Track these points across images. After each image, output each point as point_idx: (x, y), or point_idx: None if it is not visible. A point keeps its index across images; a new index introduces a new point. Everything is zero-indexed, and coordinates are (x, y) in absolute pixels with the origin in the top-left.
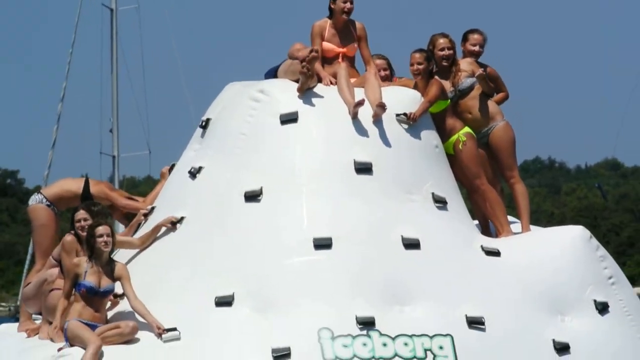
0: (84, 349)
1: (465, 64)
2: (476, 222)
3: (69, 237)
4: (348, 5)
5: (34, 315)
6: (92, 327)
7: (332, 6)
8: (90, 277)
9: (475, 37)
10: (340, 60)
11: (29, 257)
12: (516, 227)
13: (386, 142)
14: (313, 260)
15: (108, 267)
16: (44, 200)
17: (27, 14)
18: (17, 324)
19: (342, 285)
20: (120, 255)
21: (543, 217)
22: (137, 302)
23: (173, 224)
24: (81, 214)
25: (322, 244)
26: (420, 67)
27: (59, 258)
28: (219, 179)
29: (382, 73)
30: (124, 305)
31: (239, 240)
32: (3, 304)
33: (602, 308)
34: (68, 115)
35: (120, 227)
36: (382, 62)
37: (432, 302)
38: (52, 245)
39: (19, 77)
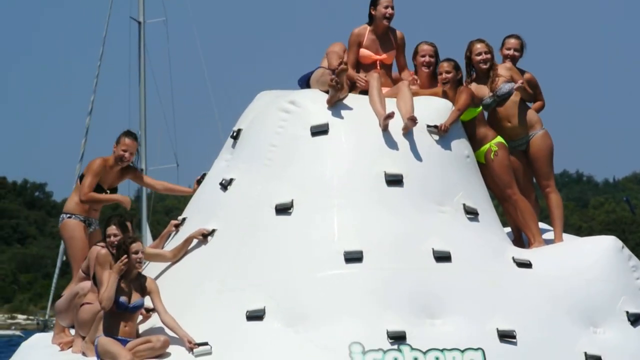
0: None
1: (503, 69)
2: (508, 229)
3: (103, 251)
4: (389, 10)
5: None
6: (123, 342)
7: (373, 12)
8: (120, 293)
9: (511, 41)
10: (377, 67)
11: (57, 270)
12: (548, 235)
13: (416, 154)
14: (344, 274)
15: (137, 282)
16: (65, 215)
17: (56, 28)
18: (50, 334)
19: (373, 299)
20: (151, 268)
21: (571, 230)
22: (168, 317)
23: (204, 236)
24: (112, 229)
25: (353, 257)
26: (449, 75)
27: (87, 270)
28: (250, 191)
29: (427, 58)
30: (155, 320)
31: (270, 253)
32: (31, 317)
33: (635, 319)
34: (96, 129)
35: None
36: (429, 47)
37: (463, 315)
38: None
39: (48, 90)
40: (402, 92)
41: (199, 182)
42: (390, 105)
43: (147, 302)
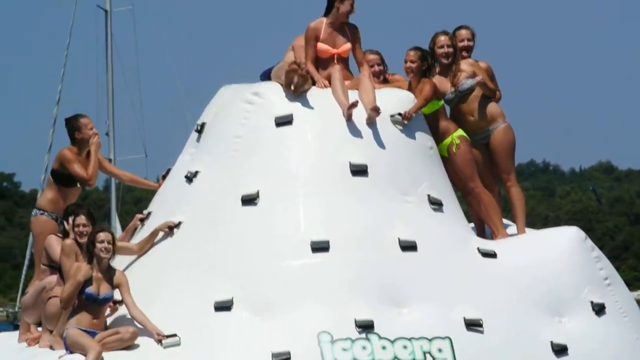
0: (84, 355)
1: (466, 64)
2: (472, 224)
3: (68, 241)
4: (354, 9)
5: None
6: (91, 334)
7: (338, 5)
8: (90, 284)
9: (462, 32)
10: (335, 62)
11: (26, 261)
12: (511, 229)
13: (381, 144)
14: (311, 264)
15: (107, 274)
16: (38, 211)
17: (22, 16)
18: (17, 333)
19: (341, 288)
20: (119, 261)
21: (537, 220)
22: (136, 311)
23: (170, 229)
24: (81, 219)
25: (320, 247)
26: (413, 65)
27: (49, 262)
28: (216, 183)
29: (376, 68)
30: (123, 311)
31: (236, 244)
32: (0, 308)
33: (599, 309)
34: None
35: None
36: (375, 57)
37: (430, 304)
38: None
39: (14, 80)
40: (363, 83)
41: (164, 177)
42: (353, 96)
43: (116, 295)
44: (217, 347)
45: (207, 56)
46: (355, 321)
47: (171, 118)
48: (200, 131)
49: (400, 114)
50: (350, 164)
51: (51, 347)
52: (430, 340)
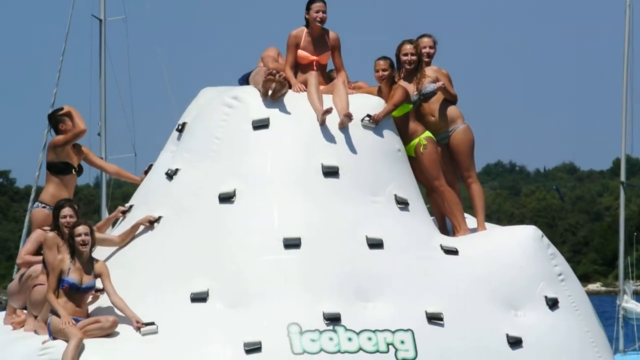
0: (67, 341)
1: (430, 70)
2: (433, 218)
3: (50, 234)
4: (320, 14)
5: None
6: (75, 320)
7: (307, 16)
8: (73, 274)
9: (425, 40)
10: (314, 67)
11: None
12: (471, 223)
13: (352, 147)
14: (283, 259)
15: (89, 265)
16: (40, 204)
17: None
18: (3, 312)
19: (310, 283)
20: (101, 253)
21: (504, 217)
22: (117, 298)
23: (151, 223)
24: (67, 210)
25: (292, 244)
26: (385, 73)
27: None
28: (195, 180)
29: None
30: (103, 300)
31: (213, 239)
32: None
33: (553, 303)
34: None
35: None
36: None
37: (394, 298)
38: None
39: (13, 81)
40: (337, 89)
41: (146, 172)
42: (327, 101)
43: (98, 284)
44: (192, 336)
45: (193, 61)
46: (323, 314)
47: (160, 120)
48: (181, 130)
49: (370, 116)
50: (322, 165)
51: (35, 332)
52: (393, 332)
